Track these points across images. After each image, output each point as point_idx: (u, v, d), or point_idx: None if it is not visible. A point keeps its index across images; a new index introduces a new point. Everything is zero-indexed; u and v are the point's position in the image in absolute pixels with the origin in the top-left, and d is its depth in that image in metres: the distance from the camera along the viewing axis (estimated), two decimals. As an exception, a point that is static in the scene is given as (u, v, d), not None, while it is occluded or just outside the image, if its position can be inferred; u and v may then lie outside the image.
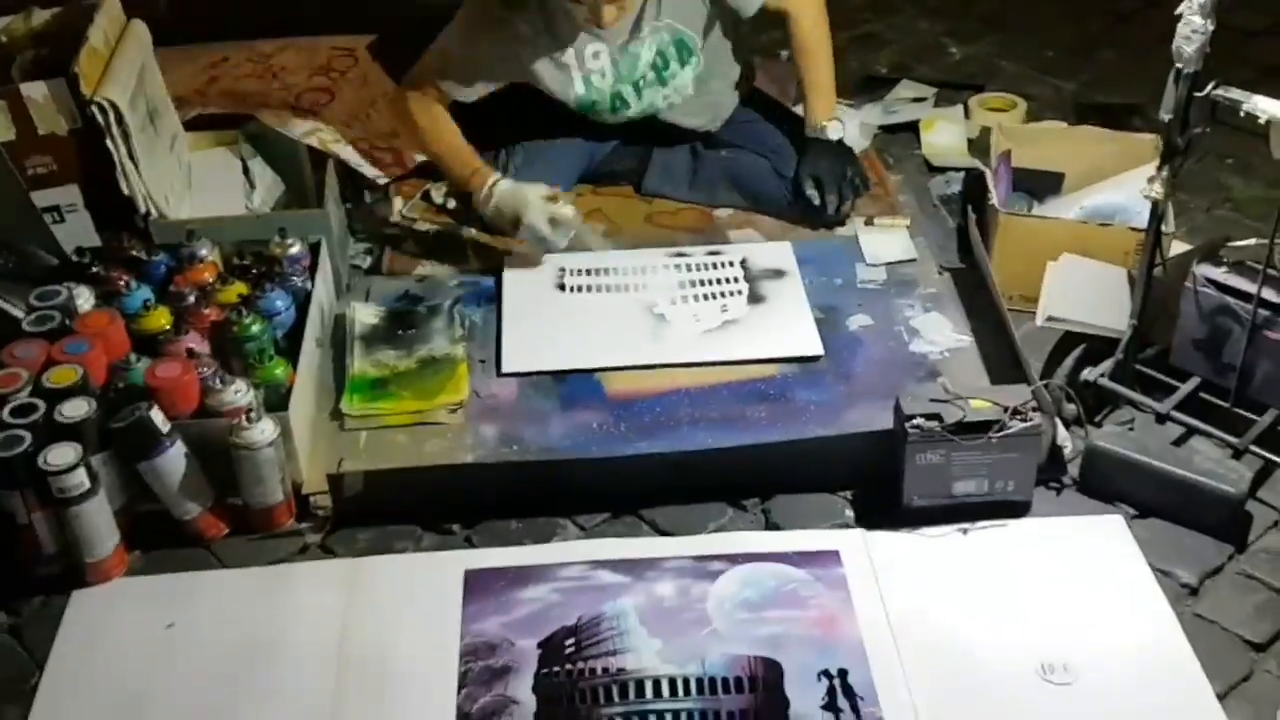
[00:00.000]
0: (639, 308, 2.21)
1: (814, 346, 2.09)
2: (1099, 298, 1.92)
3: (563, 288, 2.27)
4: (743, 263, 2.31)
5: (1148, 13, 3.30)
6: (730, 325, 2.17)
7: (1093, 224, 2.12)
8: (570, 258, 2.32)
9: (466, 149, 2.32)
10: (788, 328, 2.15)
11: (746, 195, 2.49)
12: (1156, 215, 1.75)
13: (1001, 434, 1.71)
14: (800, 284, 2.24)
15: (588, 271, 2.30)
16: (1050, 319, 1.93)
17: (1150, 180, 1.72)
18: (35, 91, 2.06)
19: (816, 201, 2.37)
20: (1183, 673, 1.58)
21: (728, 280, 2.27)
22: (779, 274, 2.28)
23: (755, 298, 2.23)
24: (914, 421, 1.72)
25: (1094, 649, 1.61)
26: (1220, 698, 1.55)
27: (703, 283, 2.27)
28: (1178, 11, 1.62)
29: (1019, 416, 1.72)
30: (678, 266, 2.31)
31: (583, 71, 2.33)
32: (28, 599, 1.73)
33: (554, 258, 2.32)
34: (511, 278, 2.28)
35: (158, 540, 1.80)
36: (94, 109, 2.06)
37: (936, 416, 1.73)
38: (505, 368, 2.08)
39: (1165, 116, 1.67)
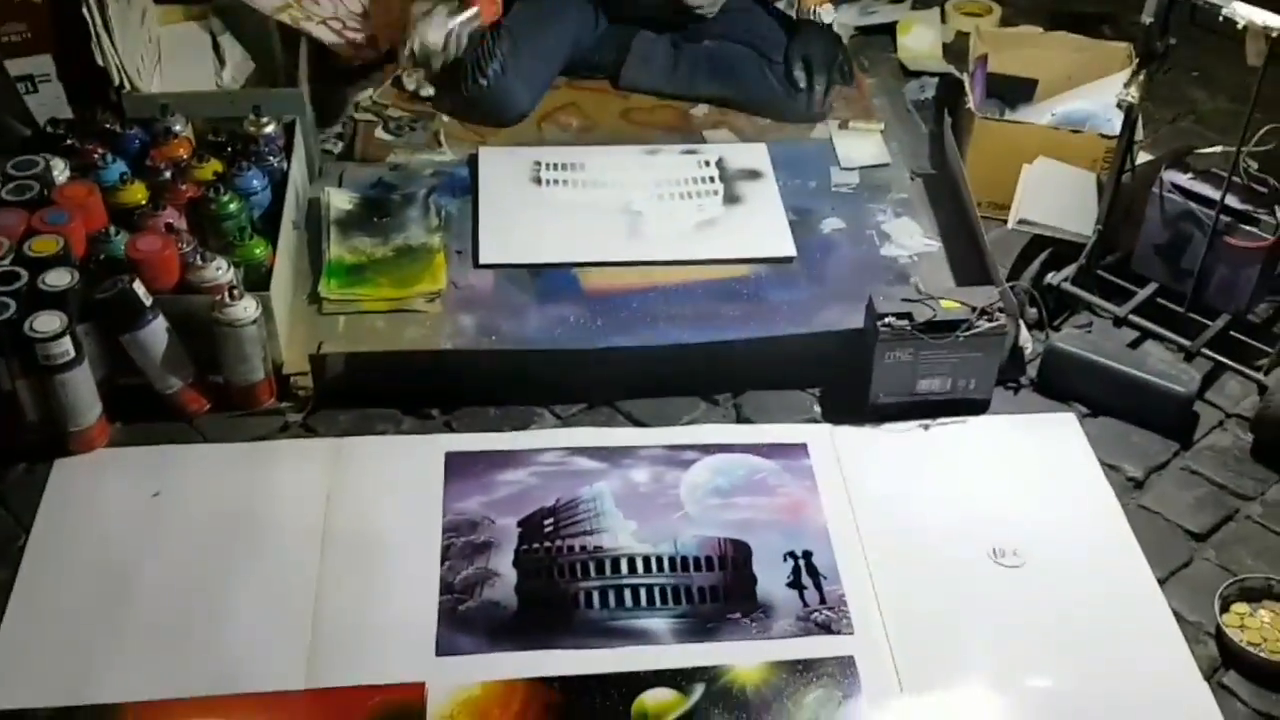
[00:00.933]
0: (615, 205, 2.22)
1: (787, 248, 2.13)
2: (1069, 202, 1.98)
3: (539, 181, 2.27)
4: (718, 162, 2.33)
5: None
6: (705, 225, 2.20)
7: (1064, 130, 2.17)
8: (546, 152, 2.33)
9: None
10: (762, 229, 2.17)
11: (728, 84, 2.49)
12: (1130, 120, 1.80)
13: (969, 333, 1.77)
14: (775, 186, 2.27)
15: (563, 166, 2.31)
16: (1022, 221, 1.98)
17: (1126, 84, 1.76)
18: (10, -44, 2.01)
19: (803, 84, 2.38)
20: (1125, 558, 1.68)
21: (703, 180, 2.29)
22: (754, 175, 2.30)
23: (730, 198, 2.25)
24: (885, 320, 1.78)
25: (1043, 536, 1.70)
26: (1161, 582, 1.65)
27: (678, 181, 2.29)
28: None
29: (986, 317, 1.78)
30: (654, 165, 2.32)
31: None
32: (11, 465, 1.75)
33: (529, 152, 2.32)
34: (487, 170, 2.28)
35: (139, 413, 1.82)
36: (69, -26, 2.02)
37: (907, 315, 1.78)
38: (482, 259, 2.09)
39: (1146, 19, 1.70)
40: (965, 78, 2.32)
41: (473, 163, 2.32)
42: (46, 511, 1.69)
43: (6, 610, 1.57)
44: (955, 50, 2.74)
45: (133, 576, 1.61)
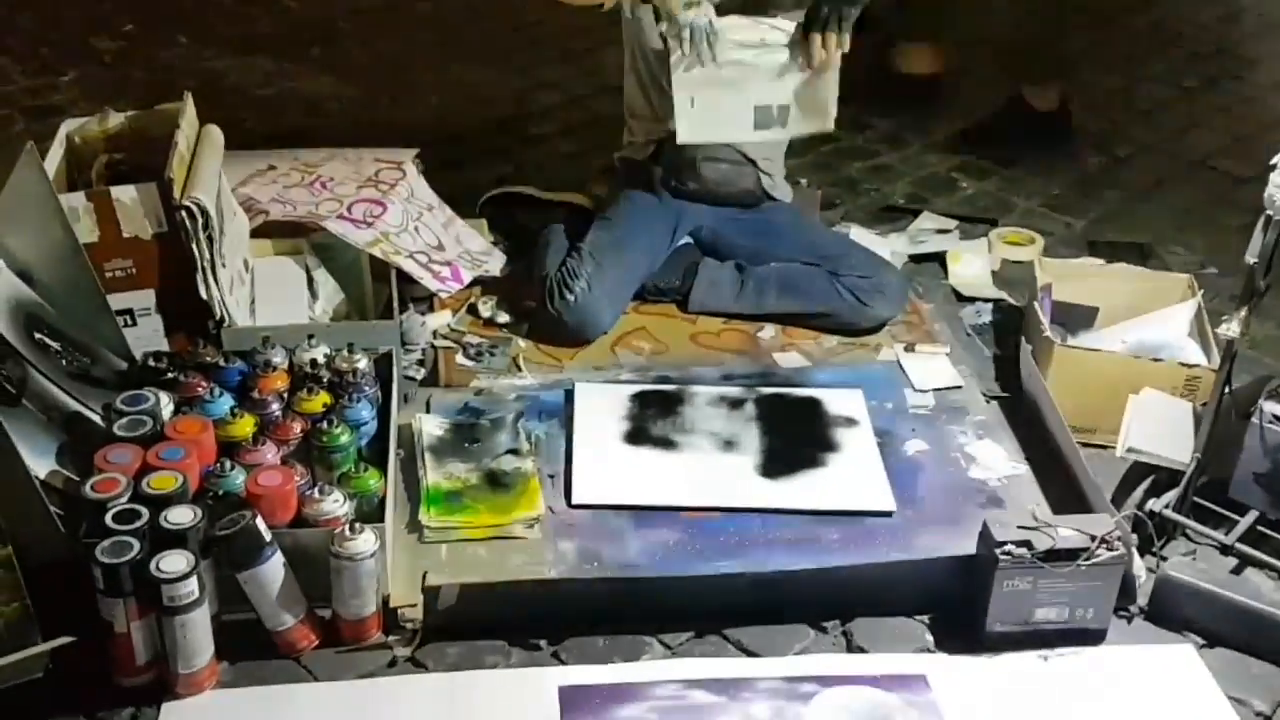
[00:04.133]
0: (710, 446, 2.22)
1: (886, 502, 2.08)
2: (1171, 431, 2.02)
3: (634, 419, 2.28)
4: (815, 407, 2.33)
5: (1142, 158, 3.52)
6: (802, 472, 2.17)
7: (1145, 358, 2.23)
8: (641, 389, 2.35)
9: None
10: (859, 479, 2.13)
11: (797, 298, 2.56)
12: (1231, 353, 1.86)
13: (1091, 562, 1.78)
14: (871, 434, 2.24)
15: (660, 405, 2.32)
16: (1130, 450, 2.01)
17: (1227, 319, 1.83)
18: (124, 195, 2.08)
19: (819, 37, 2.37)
20: (1275, 801, 1.63)
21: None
22: (850, 422, 2.28)
23: (826, 446, 2.24)
24: (1006, 547, 1.78)
25: (1187, 777, 1.66)
26: (1312, 827, 1.61)
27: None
28: (1272, 162, 1.75)
29: (1105, 545, 1.78)
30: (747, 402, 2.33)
31: None
32: (116, 711, 1.70)
33: (625, 389, 2.34)
34: (583, 406, 2.29)
35: (245, 651, 1.78)
36: (183, 213, 2.08)
37: (1026, 543, 1.79)
38: (576, 499, 2.07)
39: (1251, 260, 1.78)
40: (1037, 305, 2.40)
41: (552, 385, 2.35)
42: (157, 762, 1.63)
43: None
44: (1003, 277, 2.86)
45: (252, 830, 1.54)
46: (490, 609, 1.87)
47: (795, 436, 2.25)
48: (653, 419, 2.28)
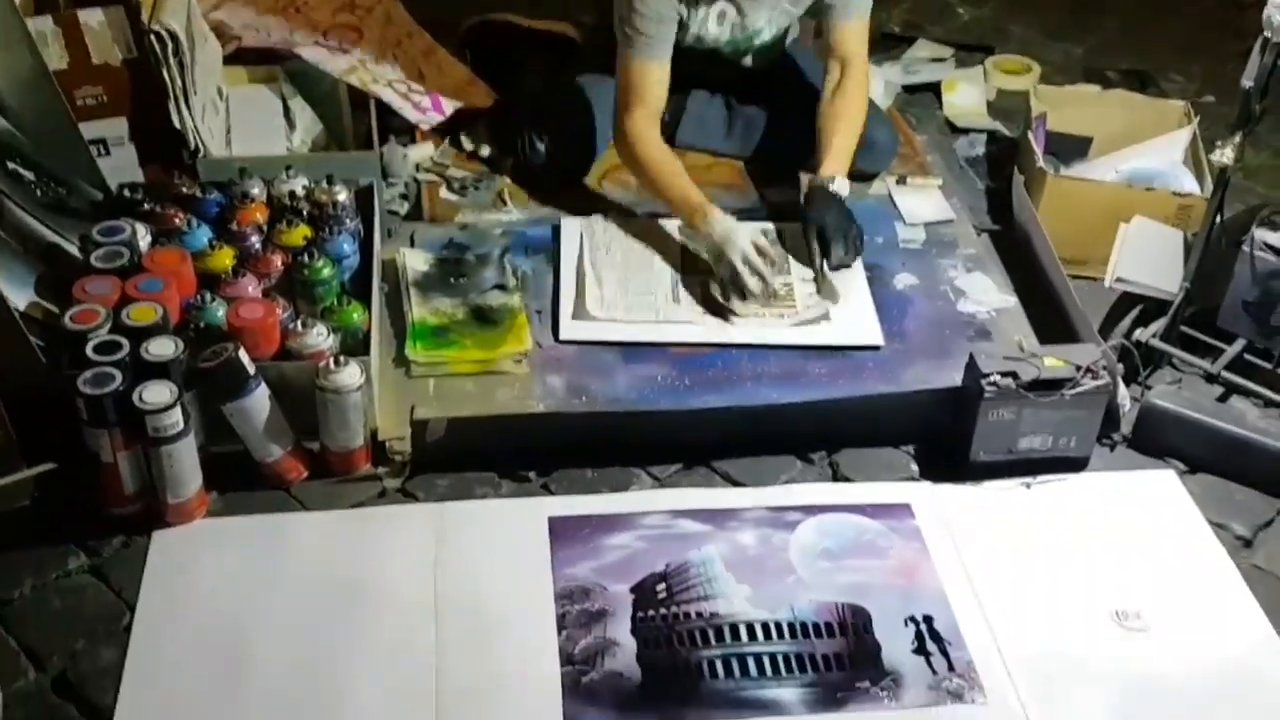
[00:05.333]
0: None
1: (875, 336, 2.08)
2: (1161, 260, 2.00)
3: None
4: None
5: (1145, -19, 3.41)
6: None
7: (1137, 188, 2.19)
8: (625, 222, 2.31)
9: (691, 188, 2.20)
10: (849, 315, 2.12)
11: (784, 145, 2.48)
12: (1224, 180, 1.82)
13: (1075, 391, 1.78)
14: (863, 271, 2.21)
15: None
16: (1119, 280, 2.00)
17: (1221, 145, 1.79)
18: (92, 18, 2.00)
19: (818, 256, 2.18)
20: (1248, 620, 1.68)
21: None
22: None
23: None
24: (990, 378, 1.78)
25: (1164, 598, 1.70)
26: (1285, 644, 1.65)
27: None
28: None
29: (1090, 374, 1.78)
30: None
31: (702, 31, 2.34)
32: (107, 539, 1.71)
33: (612, 224, 2.30)
34: (569, 241, 2.25)
35: (235, 482, 1.78)
36: (151, 38, 2.00)
37: (1012, 374, 1.79)
38: (563, 335, 2.06)
39: (1247, 83, 1.73)
40: (1030, 135, 2.34)
41: (538, 220, 2.31)
42: (150, 587, 1.65)
43: (120, 694, 1.52)
44: (998, 107, 2.79)
45: (246, 653, 1.57)
46: (479, 442, 1.87)
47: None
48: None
